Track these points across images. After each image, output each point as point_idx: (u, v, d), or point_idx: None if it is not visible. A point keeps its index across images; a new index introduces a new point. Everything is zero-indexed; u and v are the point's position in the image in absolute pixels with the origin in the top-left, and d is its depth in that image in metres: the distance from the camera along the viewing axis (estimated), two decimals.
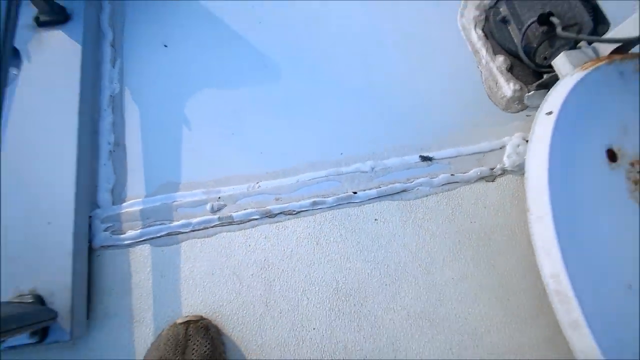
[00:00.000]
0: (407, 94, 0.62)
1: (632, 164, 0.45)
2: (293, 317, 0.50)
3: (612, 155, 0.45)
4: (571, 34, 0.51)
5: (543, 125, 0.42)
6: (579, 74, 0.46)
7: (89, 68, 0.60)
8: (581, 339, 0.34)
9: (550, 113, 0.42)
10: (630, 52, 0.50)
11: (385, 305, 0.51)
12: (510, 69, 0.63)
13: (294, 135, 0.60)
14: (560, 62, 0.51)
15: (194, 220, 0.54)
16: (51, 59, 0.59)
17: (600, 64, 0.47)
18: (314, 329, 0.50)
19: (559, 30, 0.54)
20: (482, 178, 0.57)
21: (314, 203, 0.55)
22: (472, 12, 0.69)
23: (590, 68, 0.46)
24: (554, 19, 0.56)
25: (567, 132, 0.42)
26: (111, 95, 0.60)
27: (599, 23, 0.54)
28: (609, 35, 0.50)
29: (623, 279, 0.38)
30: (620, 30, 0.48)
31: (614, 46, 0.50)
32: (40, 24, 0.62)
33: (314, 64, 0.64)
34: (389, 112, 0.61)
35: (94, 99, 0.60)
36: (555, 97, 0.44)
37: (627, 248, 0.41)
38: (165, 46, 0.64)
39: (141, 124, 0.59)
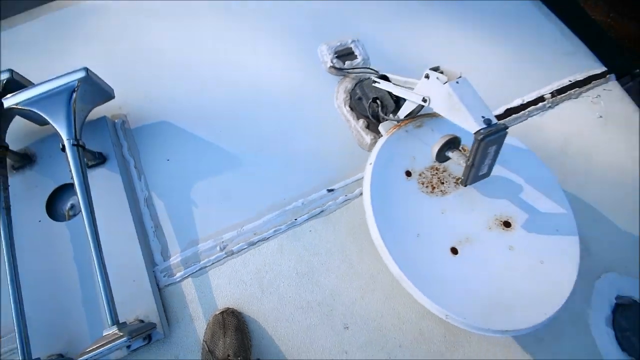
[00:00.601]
0: (313, 154, 1.01)
1: (420, 175, 0.86)
2: (277, 294, 0.87)
3: (408, 174, 0.85)
4: (382, 114, 0.92)
5: (367, 171, 0.82)
6: (384, 137, 0.86)
7: (128, 186, 0.95)
8: (391, 266, 0.73)
9: (371, 164, 0.82)
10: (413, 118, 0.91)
11: (324, 274, 0.89)
12: (367, 127, 1.03)
13: (256, 193, 0.97)
14: (381, 128, 0.92)
15: (212, 257, 0.90)
16: (103, 188, 0.93)
17: (395, 129, 0.87)
18: (290, 296, 0.87)
19: (379, 110, 0.95)
20: (362, 193, 0.96)
21: (275, 231, 0.93)
22: (342, 95, 1.08)
23: (390, 133, 0.87)
24: (378, 101, 0.97)
25: (380, 170, 0.82)
26: (145, 199, 0.96)
27: (402, 101, 0.95)
28: (397, 115, 0.90)
29: (414, 232, 0.78)
30: (401, 111, 0.88)
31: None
32: (89, 167, 0.96)
33: (257, 150, 1.02)
34: (305, 168, 1.00)
35: (136, 204, 0.95)
36: (373, 153, 0.84)
37: (416, 216, 0.80)
38: (168, 160, 1.00)
39: (167, 210, 0.95)
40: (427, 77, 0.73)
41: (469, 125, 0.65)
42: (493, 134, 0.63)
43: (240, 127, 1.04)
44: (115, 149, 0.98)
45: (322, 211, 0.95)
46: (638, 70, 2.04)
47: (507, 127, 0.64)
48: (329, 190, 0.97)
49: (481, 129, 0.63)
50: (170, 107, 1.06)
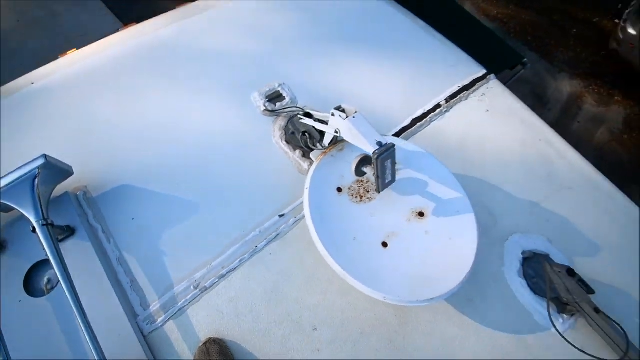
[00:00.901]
0: (261, 186, 1.16)
1: (349, 189, 1.04)
2: (251, 315, 1.00)
3: (339, 189, 1.03)
4: (310, 145, 1.10)
5: (305, 194, 0.98)
6: (314, 164, 1.04)
7: (99, 250, 1.04)
8: (333, 265, 0.89)
9: (307, 188, 0.99)
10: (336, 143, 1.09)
11: (288, 288, 1.03)
12: (304, 155, 1.21)
13: (217, 231, 1.09)
14: (312, 156, 1.10)
15: (188, 297, 1.01)
16: (77, 258, 1.01)
17: (322, 156, 1.06)
18: (262, 314, 1.00)
19: (308, 141, 1.13)
20: None
21: (240, 261, 1.05)
22: (278, 132, 1.26)
23: (319, 159, 1.05)
24: (307, 134, 1.15)
25: (316, 192, 0.99)
26: (117, 258, 1.05)
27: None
28: (323, 144, 1.09)
29: (352, 236, 0.96)
30: (324, 141, 1.07)
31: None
32: (60, 240, 1.04)
33: (212, 194, 1.15)
34: (257, 200, 1.14)
35: (109, 264, 1.03)
36: (307, 178, 1.01)
37: (350, 223, 0.98)
38: (133, 219, 1.10)
39: (139, 264, 1.04)
40: (333, 115, 0.92)
41: (367, 148, 0.84)
42: (384, 152, 0.83)
43: (194, 177, 1.17)
44: (81, 220, 1.07)
45: (277, 235, 1.10)
46: (526, 60, 2.42)
47: (394, 145, 0.84)
48: (281, 216, 1.12)
49: (375, 150, 0.83)
50: (126, 170, 1.17)
